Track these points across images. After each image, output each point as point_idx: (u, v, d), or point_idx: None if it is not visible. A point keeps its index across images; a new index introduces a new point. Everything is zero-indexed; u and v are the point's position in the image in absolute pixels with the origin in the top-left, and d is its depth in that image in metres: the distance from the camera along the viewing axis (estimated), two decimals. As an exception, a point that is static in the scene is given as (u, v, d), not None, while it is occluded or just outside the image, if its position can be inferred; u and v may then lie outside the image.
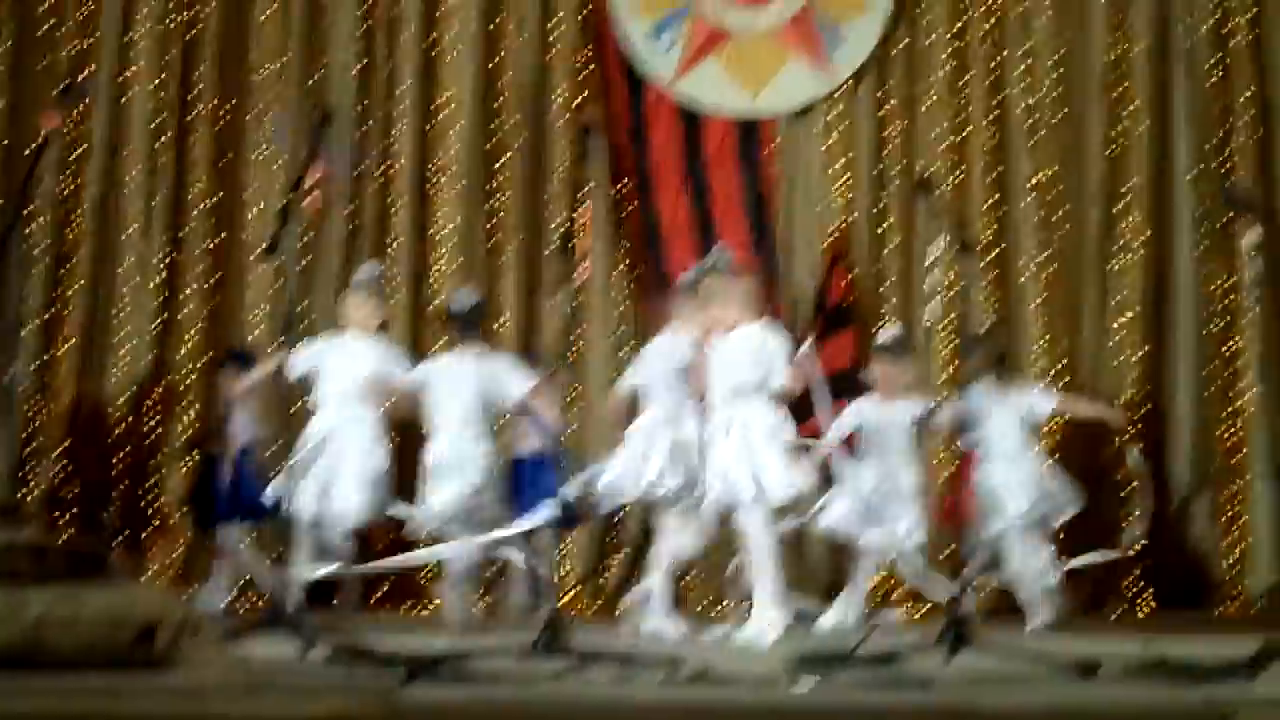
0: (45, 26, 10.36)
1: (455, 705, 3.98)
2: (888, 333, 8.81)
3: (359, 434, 7.95)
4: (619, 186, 10.56)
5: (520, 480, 9.11)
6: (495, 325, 10.30)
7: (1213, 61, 10.30)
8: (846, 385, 10.14)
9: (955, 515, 8.58)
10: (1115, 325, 10.22)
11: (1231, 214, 9.87)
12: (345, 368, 8.06)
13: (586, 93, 10.58)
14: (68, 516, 9.98)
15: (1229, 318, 10.16)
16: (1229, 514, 10.01)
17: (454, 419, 7.96)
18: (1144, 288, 10.21)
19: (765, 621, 7.04)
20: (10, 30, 10.34)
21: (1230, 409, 10.09)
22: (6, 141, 10.22)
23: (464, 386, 8.01)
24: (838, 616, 8.15)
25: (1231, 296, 10.16)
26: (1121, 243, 10.26)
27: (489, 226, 10.49)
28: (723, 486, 7.26)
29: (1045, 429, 9.26)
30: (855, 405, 8.55)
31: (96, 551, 4.75)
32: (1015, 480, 8.31)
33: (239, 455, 9.41)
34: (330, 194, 10.20)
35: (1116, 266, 10.26)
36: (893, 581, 9.72)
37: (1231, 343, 10.15)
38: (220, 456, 9.37)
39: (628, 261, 10.48)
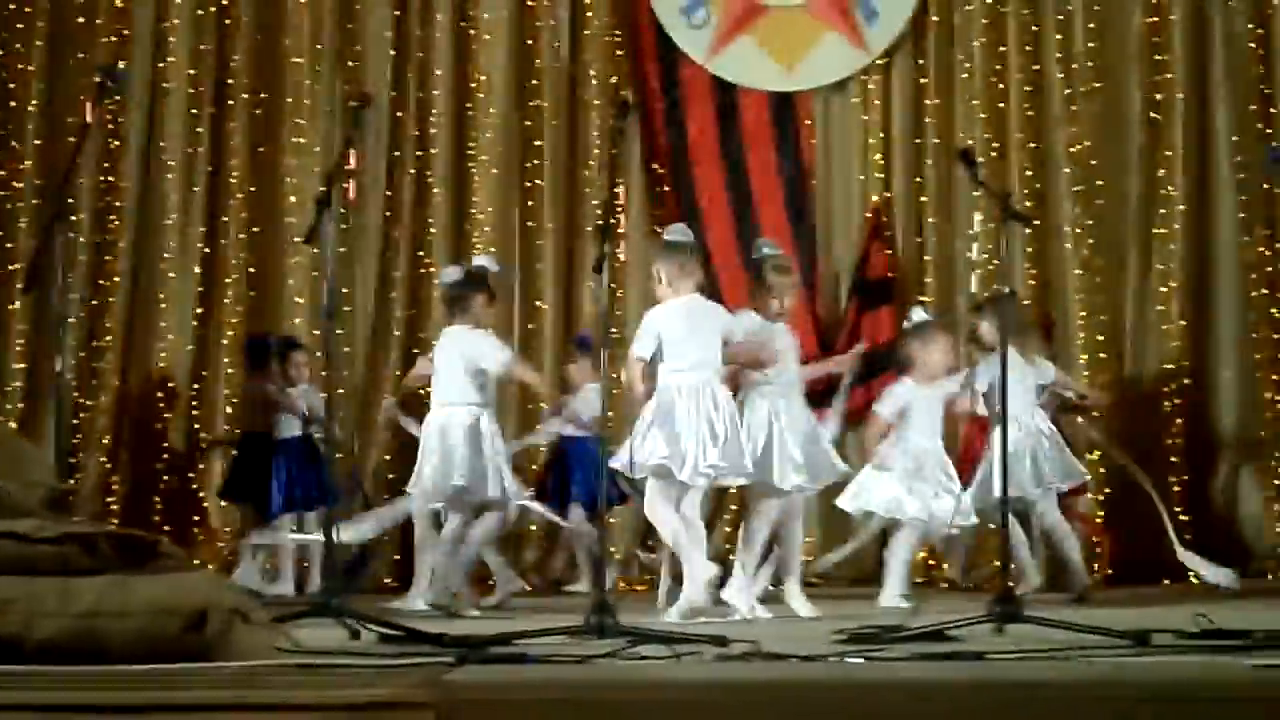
0: (79, 20, 10.40)
1: (507, 685, 3.98)
2: (915, 315, 8.56)
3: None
4: (655, 166, 10.55)
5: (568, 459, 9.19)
6: (534, 306, 10.36)
7: (1250, 25, 10.20)
8: (887, 360, 10.13)
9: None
10: (1158, 293, 10.16)
11: (1273, 179, 9.80)
12: None
13: (620, 72, 10.57)
14: (115, 506, 10.07)
15: (1273, 284, 10.07)
16: (1276, 481, 9.95)
17: None
18: (1186, 255, 10.15)
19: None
20: (45, 24, 10.37)
21: (1276, 375, 10.02)
22: (45, 135, 10.29)
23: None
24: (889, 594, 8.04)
25: (1275, 263, 10.08)
26: (1162, 211, 10.20)
27: (526, 208, 10.50)
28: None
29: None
30: (901, 386, 8.33)
31: (147, 539, 4.76)
32: (1027, 447, 8.12)
33: (298, 442, 9.49)
34: (366, 180, 10.24)
35: (1158, 235, 10.20)
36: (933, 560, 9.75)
37: (1275, 309, 10.07)
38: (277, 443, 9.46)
39: (666, 240, 10.47)
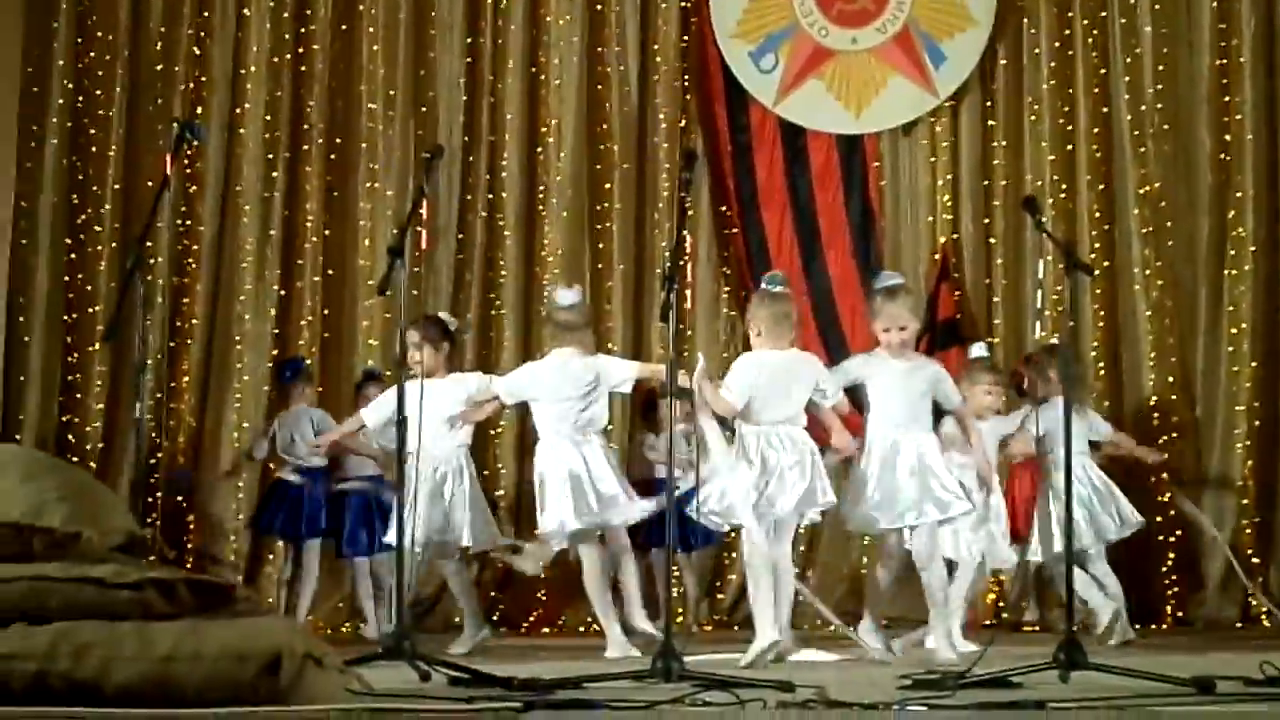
0: (158, 66, 10.58)
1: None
2: (975, 350, 8.55)
3: None
4: (723, 209, 10.62)
5: None
6: (605, 348, 10.41)
7: (1321, 66, 10.18)
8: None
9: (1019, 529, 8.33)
10: (1229, 334, 10.12)
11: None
12: None
13: (689, 117, 10.65)
14: (191, 546, 10.20)
15: (1346, 326, 10.01)
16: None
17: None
18: (1257, 298, 10.10)
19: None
20: (124, 72, 10.56)
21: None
22: (124, 179, 10.46)
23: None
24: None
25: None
26: (1233, 252, 10.16)
27: (596, 251, 10.59)
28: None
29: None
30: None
31: (222, 584, 4.85)
32: (1080, 499, 8.08)
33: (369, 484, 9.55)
34: (438, 224, 10.36)
35: (1229, 276, 10.15)
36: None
37: (1348, 349, 10.00)
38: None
39: (734, 283, 10.53)
